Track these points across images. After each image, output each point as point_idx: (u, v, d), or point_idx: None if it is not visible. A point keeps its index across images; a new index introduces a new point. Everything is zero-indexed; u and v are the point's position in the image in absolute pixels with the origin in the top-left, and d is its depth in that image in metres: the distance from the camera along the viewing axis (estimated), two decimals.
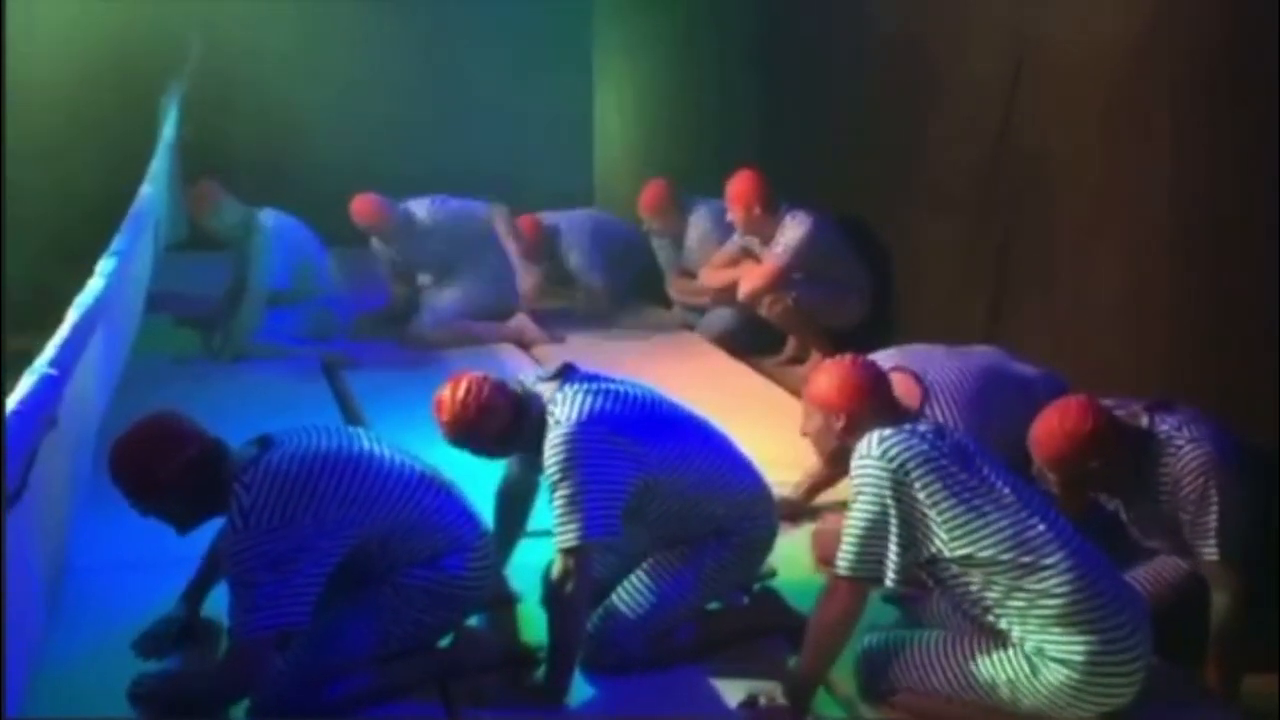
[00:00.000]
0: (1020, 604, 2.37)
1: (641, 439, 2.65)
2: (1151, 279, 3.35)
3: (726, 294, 5.33)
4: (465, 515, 2.69)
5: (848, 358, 2.68)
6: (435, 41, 7.29)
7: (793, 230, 4.92)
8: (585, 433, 2.58)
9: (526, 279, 5.67)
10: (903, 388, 3.01)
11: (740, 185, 5.05)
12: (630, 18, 7.34)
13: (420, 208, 5.64)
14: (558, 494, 2.57)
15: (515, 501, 2.95)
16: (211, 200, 5.11)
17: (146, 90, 6.16)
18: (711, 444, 2.82)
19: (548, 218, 6.12)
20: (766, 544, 2.88)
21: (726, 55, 6.12)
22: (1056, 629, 2.36)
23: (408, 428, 3.18)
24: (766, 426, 3.79)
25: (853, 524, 2.43)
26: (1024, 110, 3.90)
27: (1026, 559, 2.35)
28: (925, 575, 2.49)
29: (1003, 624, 2.41)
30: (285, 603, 2.36)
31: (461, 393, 2.65)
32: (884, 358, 3.15)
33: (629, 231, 6.24)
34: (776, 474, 3.09)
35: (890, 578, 2.40)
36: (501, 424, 2.67)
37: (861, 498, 2.42)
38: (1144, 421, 2.73)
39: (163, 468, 2.42)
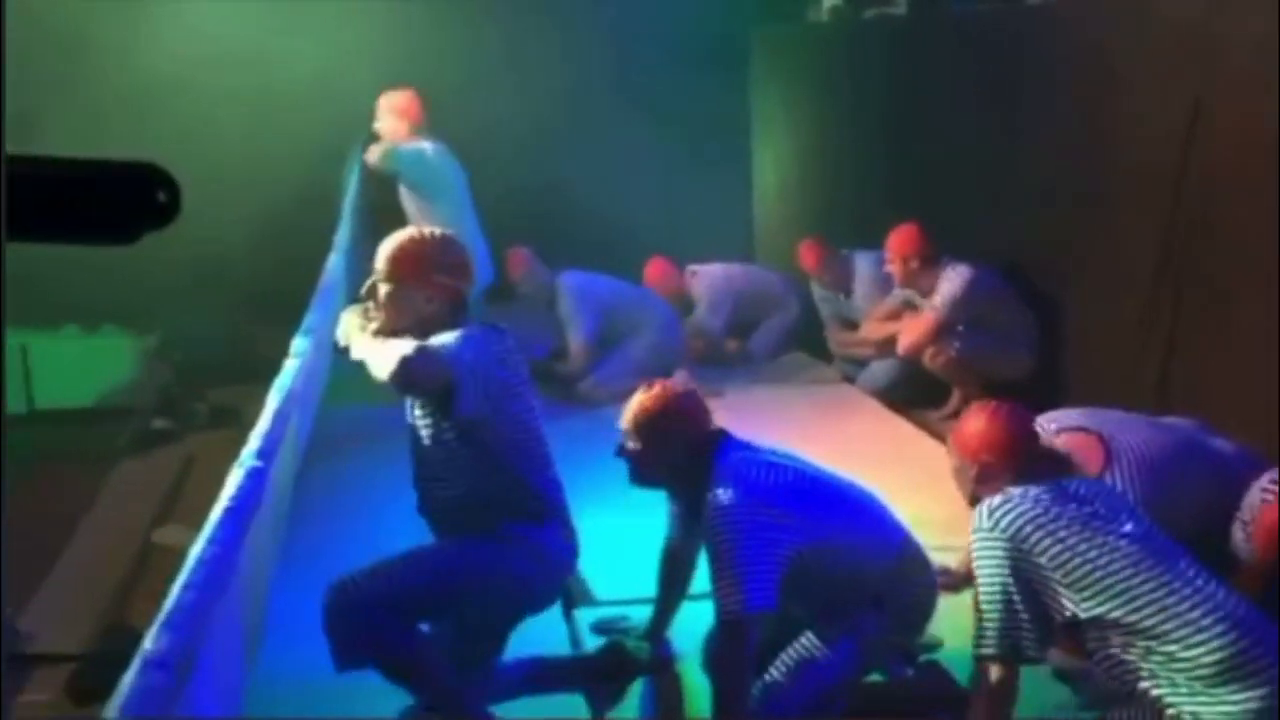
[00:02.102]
0: (1166, 667, 2.27)
1: (797, 510, 2.66)
2: None
3: (888, 346, 5.32)
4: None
5: (993, 405, 2.62)
6: (591, 97, 7.49)
7: (952, 282, 4.88)
8: (745, 504, 2.61)
9: (691, 334, 5.80)
10: (1084, 450, 2.93)
11: (900, 239, 5.06)
12: (789, 71, 7.41)
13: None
14: (719, 564, 2.60)
15: (677, 565, 2.99)
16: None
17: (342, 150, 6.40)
18: (864, 510, 2.81)
19: (692, 268, 6.26)
20: (926, 608, 2.83)
21: (890, 109, 6.12)
22: (1212, 690, 2.24)
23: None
24: (926, 485, 3.72)
25: (981, 601, 2.39)
26: (1200, 167, 3.77)
27: (1165, 621, 2.27)
28: (1075, 643, 2.44)
29: (1154, 691, 2.30)
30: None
31: (659, 389, 2.77)
32: (1071, 417, 3.09)
33: (781, 283, 6.29)
34: (937, 537, 3.06)
35: (1030, 650, 2.36)
36: (683, 438, 2.72)
37: (982, 573, 2.38)
38: None
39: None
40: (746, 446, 2.80)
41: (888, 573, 2.75)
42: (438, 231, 2.83)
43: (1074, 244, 4.59)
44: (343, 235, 5.34)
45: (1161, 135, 3.94)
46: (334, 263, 4.81)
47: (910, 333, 5.03)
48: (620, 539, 3.49)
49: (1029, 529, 2.35)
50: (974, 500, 2.59)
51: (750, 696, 2.64)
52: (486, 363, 2.62)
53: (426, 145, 5.30)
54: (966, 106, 5.35)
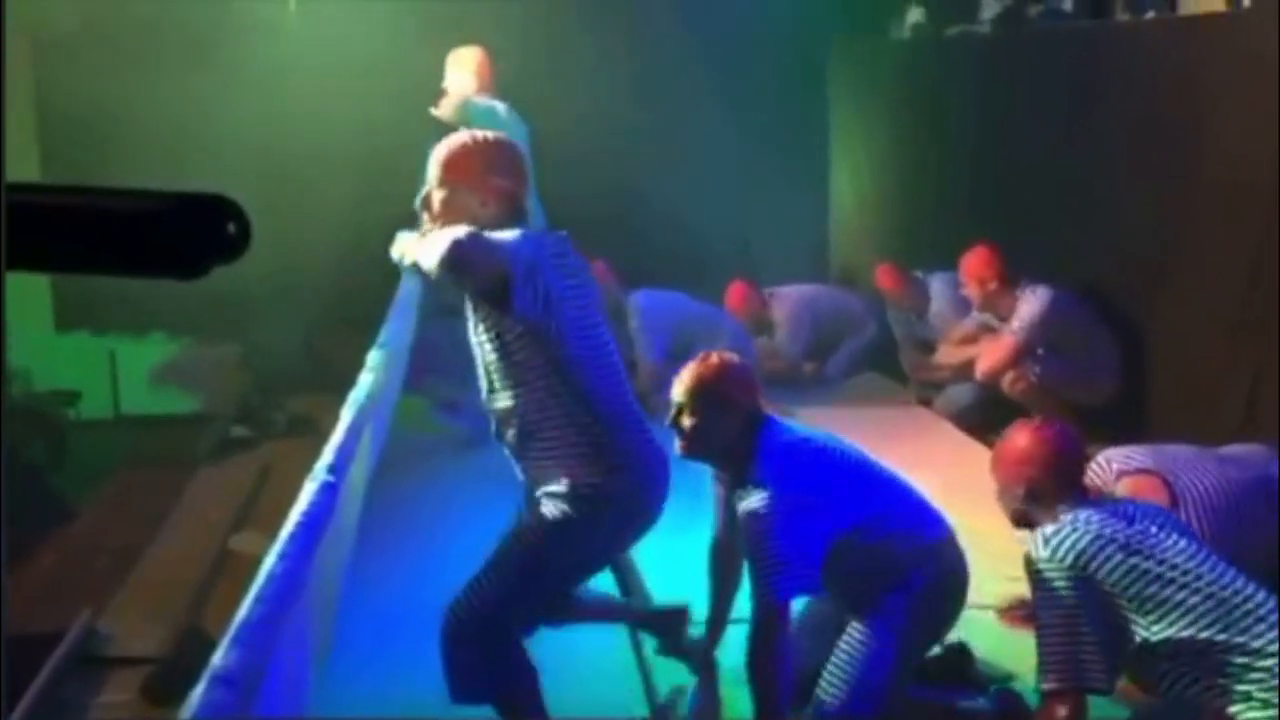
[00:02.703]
0: (1241, 680, 2.22)
1: (837, 494, 2.69)
2: None
3: (965, 370, 5.22)
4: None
5: (1038, 423, 2.61)
6: (667, 103, 7.43)
7: (1030, 305, 4.78)
8: (783, 489, 2.62)
9: (769, 357, 5.77)
10: (1150, 493, 2.86)
11: (975, 261, 4.97)
12: (868, 84, 7.34)
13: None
14: (754, 551, 2.63)
15: (726, 554, 2.95)
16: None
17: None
18: (901, 495, 2.81)
19: (770, 290, 6.22)
20: (957, 591, 2.79)
21: (970, 127, 6.03)
22: None
23: None
24: (1000, 512, 3.65)
25: (1044, 634, 2.34)
26: None
27: (1234, 637, 2.21)
28: (1142, 674, 2.37)
29: (1230, 708, 2.24)
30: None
31: (716, 359, 2.78)
32: (1136, 455, 3.01)
33: (858, 305, 6.23)
34: (1010, 566, 2.99)
35: (1098, 682, 2.29)
36: (738, 411, 2.72)
37: (1044, 604, 2.33)
38: None
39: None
40: (789, 430, 2.80)
41: (919, 557, 2.73)
42: (490, 134, 2.75)
43: (1157, 267, 4.47)
44: None
45: (1248, 157, 3.82)
46: (409, 277, 4.83)
47: (989, 357, 4.94)
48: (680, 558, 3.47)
49: (1089, 553, 2.30)
50: (1018, 520, 2.56)
51: (787, 690, 2.63)
52: (545, 264, 2.52)
53: (499, 104, 5.22)
54: (1049, 126, 5.25)
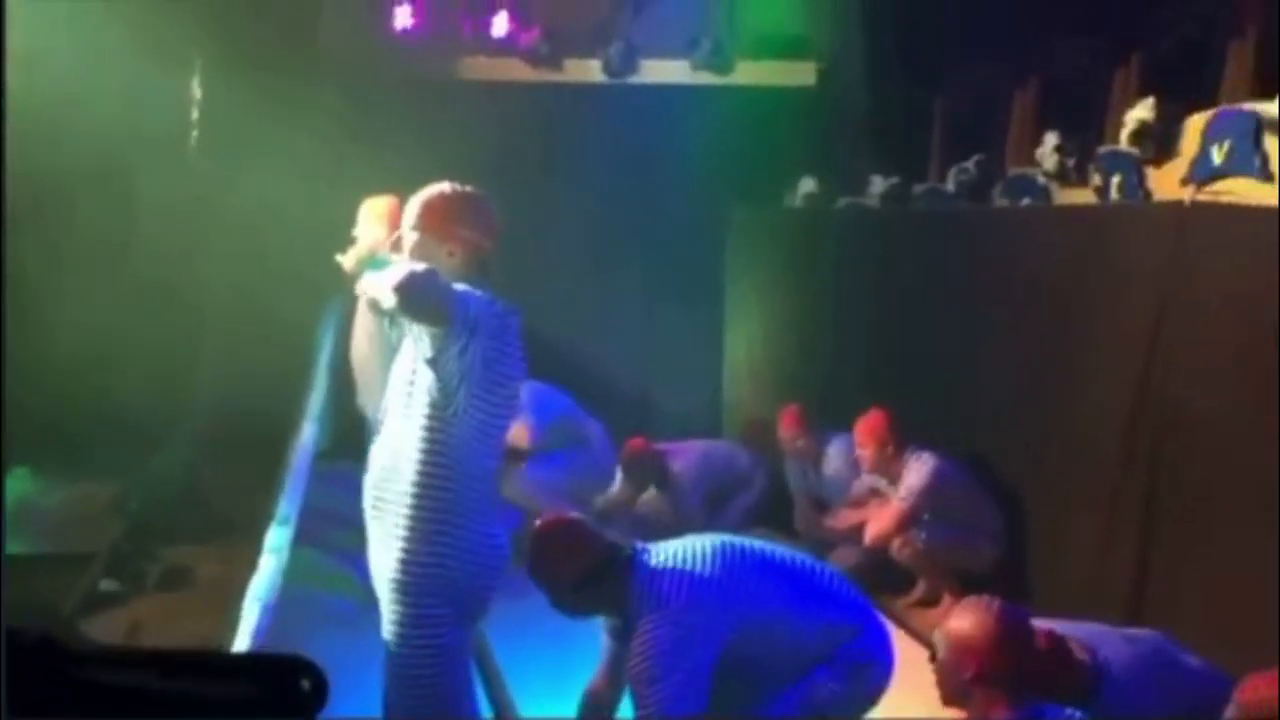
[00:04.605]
0: None
1: (721, 602, 2.73)
2: None
3: (855, 534, 5.30)
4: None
5: (989, 603, 2.58)
6: (571, 263, 7.57)
7: (916, 473, 4.91)
8: (663, 622, 2.68)
9: (665, 511, 5.79)
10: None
11: (867, 426, 5.11)
12: (764, 253, 7.61)
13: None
14: (638, 694, 2.67)
15: (594, 712, 2.97)
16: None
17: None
18: (797, 576, 2.88)
19: (661, 445, 6.27)
20: (877, 673, 2.86)
21: (860, 296, 6.27)
22: None
23: None
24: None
25: None
26: (1167, 362, 3.86)
27: None
28: None
29: None
30: None
31: (543, 522, 2.86)
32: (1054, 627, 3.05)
33: (748, 461, 6.32)
34: None
35: None
36: (579, 569, 2.76)
37: None
38: None
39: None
40: (657, 554, 2.84)
41: (821, 633, 2.81)
42: (470, 189, 2.88)
43: (1037, 440, 4.65)
44: (315, 401, 5.27)
45: (1115, 343, 4.05)
46: (307, 435, 4.73)
47: (876, 524, 5.04)
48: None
49: None
50: (951, 700, 2.54)
51: None
52: (482, 330, 2.61)
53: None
54: (933, 298, 5.49)
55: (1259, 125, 3.79)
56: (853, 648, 2.84)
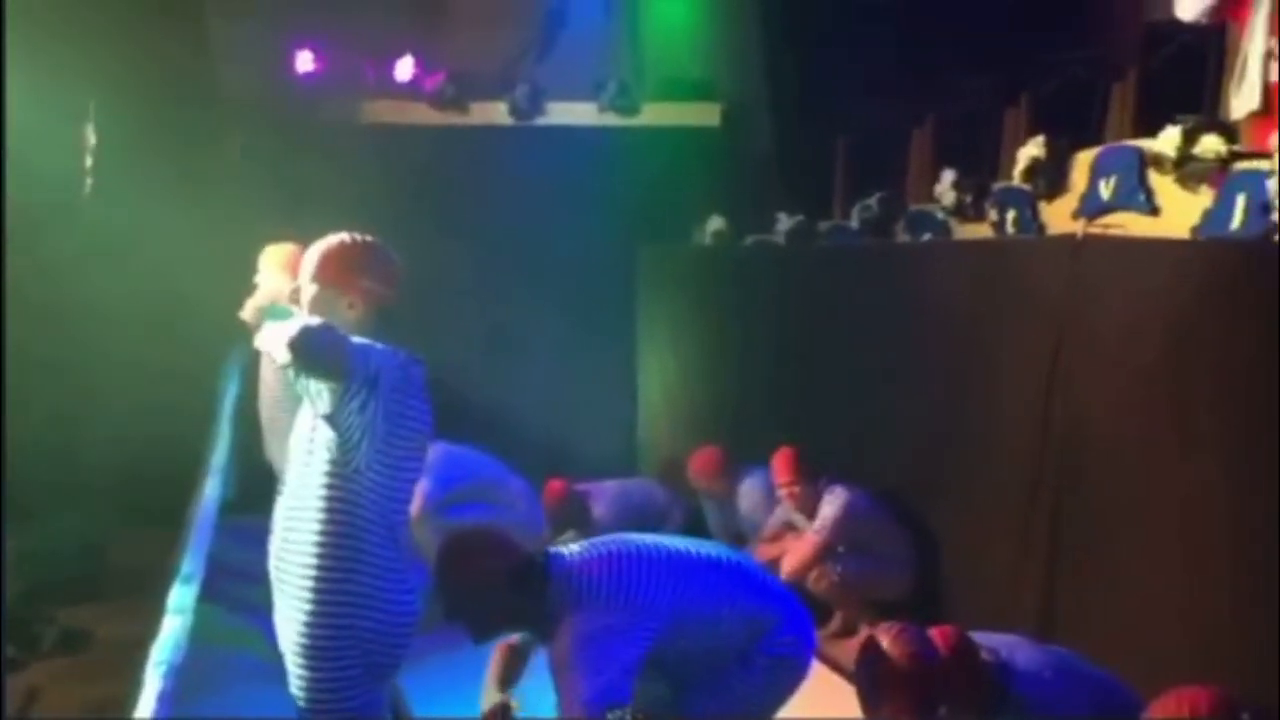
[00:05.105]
0: None
1: (640, 599, 2.74)
2: (1210, 578, 3.29)
3: (772, 568, 5.32)
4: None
5: (896, 629, 2.65)
6: (473, 309, 7.53)
7: (830, 507, 4.97)
8: (581, 626, 2.67)
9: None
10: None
11: (781, 461, 5.16)
12: (673, 290, 7.67)
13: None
14: (561, 687, 2.66)
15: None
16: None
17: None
18: (717, 572, 2.90)
19: (580, 485, 6.25)
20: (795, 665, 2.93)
21: (769, 331, 6.34)
22: None
23: None
24: (806, 707, 3.66)
25: None
26: (1066, 388, 3.95)
27: None
28: None
29: None
30: None
31: (453, 541, 2.80)
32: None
33: (663, 496, 6.33)
34: None
35: None
36: (495, 574, 2.75)
37: None
38: None
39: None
40: (573, 555, 2.84)
41: (746, 625, 2.84)
42: (370, 238, 2.79)
43: (946, 472, 4.74)
44: (219, 452, 5.15)
45: (1026, 368, 4.16)
46: (209, 489, 4.60)
47: (792, 558, 5.07)
48: None
49: None
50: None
51: None
52: (383, 383, 2.52)
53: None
54: (840, 333, 5.59)
55: (1142, 161, 3.95)
56: (776, 637, 2.88)
